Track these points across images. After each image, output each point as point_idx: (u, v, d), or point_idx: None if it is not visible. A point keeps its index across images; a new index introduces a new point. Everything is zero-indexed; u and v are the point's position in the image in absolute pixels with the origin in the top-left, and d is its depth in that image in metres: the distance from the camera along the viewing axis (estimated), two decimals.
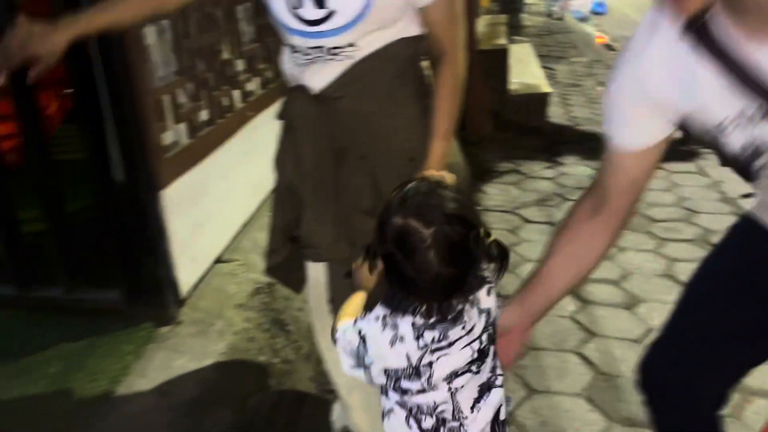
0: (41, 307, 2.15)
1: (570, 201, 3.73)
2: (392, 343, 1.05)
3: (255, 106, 2.68)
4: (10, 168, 2.52)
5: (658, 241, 3.19)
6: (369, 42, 1.33)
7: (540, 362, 2.30)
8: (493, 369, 1.18)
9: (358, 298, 1.18)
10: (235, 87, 2.49)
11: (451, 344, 1.07)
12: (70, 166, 2.53)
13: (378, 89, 1.38)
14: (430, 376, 1.08)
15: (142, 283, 2.01)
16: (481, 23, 6.02)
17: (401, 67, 1.40)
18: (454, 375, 1.11)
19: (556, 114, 5.47)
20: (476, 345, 1.11)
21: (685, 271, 2.88)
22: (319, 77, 1.38)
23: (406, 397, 1.11)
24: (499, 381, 1.19)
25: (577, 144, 4.77)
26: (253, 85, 2.68)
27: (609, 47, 8.82)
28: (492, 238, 1.01)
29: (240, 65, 2.57)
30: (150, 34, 1.95)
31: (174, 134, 2.07)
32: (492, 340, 1.16)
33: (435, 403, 1.11)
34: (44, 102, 3.71)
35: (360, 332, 1.10)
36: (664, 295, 2.71)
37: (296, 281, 1.68)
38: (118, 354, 1.90)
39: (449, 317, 1.06)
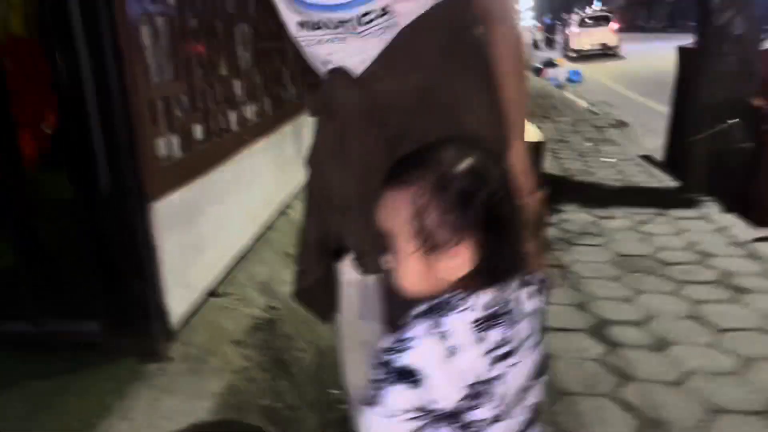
0: (3, 343, 1.85)
1: (576, 246, 3.57)
2: (446, 357, 0.80)
3: (252, 132, 2.48)
4: None
5: (677, 284, 3.00)
6: (404, 8, 1.13)
7: (574, 408, 2.05)
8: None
9: None
10: (232, 108, 2.30)
11: (519, 346, 0.88)
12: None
13: (425, 63, 1.18)
14: (504, 395, 0.86)
15: (126, 311, 1.72)
16: None
17: (447, 37, 1.19)
18: (524, 390, 0.90)
19: (550, 166, 5.40)
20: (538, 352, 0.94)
21: (712, 312, 2.69)
22: (356, 57, 1.18)
23: None
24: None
25: (575, 193, 4.67)
26: (249, 112, 2.49)
27: (589, 111, 8.94)
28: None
29: (238, 87, 2.39)
30: (145, 34, 1.76)
31: (166, 145, 1.85)
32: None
33: None
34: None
35: (405, 373, 0.81)
36: (695, 337, 2.50)
37: (325, 307, 1.40)
38: (96, 393, 1.59)
39: (508, 309, 0.86)
